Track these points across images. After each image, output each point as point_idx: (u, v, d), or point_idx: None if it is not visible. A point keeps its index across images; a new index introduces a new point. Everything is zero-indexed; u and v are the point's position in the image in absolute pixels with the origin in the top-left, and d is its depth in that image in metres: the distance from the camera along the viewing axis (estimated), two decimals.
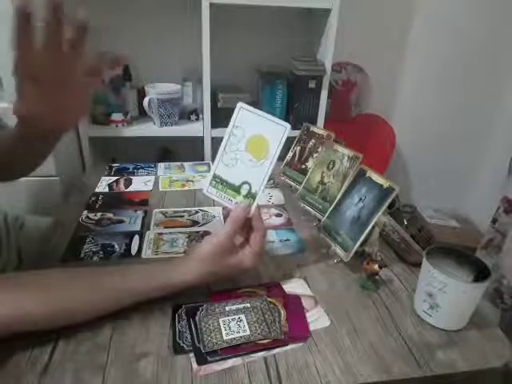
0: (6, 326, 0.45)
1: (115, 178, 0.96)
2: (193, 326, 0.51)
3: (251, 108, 0.56)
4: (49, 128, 0.50)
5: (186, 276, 0.52)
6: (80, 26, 0.42)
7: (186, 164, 1.07)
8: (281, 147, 0.54)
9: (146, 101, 1.28)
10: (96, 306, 0.50)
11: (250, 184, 0.55)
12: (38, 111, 0.47)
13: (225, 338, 0.49)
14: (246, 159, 0.56)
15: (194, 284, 0.53)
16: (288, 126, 0.53)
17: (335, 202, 0.69)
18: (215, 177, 0.58)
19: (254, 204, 0.55)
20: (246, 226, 0.56)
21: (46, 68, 0.44)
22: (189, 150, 1.35)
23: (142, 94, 1.34)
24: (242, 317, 0.52)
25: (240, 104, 0.56)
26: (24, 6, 0.39)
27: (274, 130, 0.54)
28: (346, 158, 0.74)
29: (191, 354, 0.47)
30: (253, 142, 0.55)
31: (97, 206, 0.82)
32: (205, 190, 0.59)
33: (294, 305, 0.56)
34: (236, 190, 0.56)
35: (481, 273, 0.53)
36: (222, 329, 0.50)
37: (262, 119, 0.55)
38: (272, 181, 0.98)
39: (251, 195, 0.55)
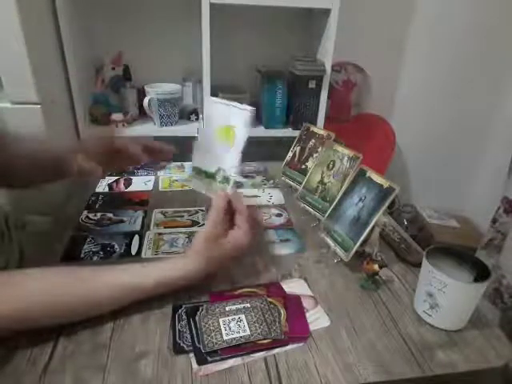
0: (7, 324, 0.45)
1: (115, 178, 0.96)
2: (193, 325, 0.51)
3: (218, 99, 0.62)
4: None
5: (187, 266, 0.54)
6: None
7: (186, 164, 1.07)
8: (246, 130, 0.59)
9: (145, 101, 1.28)
10: (97, 302, 0.50)
11: (223, 169, 0.61)
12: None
13: (225, 338, 0.49)
14: (218, 146, 0.61)
15: (196, 275, 0.54)
16: (250, 109, 0.58)
17: (335, 202, 0.69)
18: (194, 169, 0.63)
19: (229, 187, 0.59)
20: (231, 213, 0.59)
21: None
22: (189, 150, 1.34)
23: (142, 93, 1.34)
24: (242, 317, 0.52)
25: (207, 98, 0.63)
26: None
27: (239, 115, 0.59)
28: (346, 158, 0.74)
29: (191, 354, 0.47)
30: (222, 130, 0.61)
31: (97, 206, 0.82)
32: (192, 185, 0.65)
33: (294, 305, 0.56)
34: (212, 176, 0.62)
35: (481, 273, 0.53)
36: (222, 329, 0.50)
37: (228, 107, 0.60)
38: (272, 181, 0.98)
39: (226, 180, 0.60)
